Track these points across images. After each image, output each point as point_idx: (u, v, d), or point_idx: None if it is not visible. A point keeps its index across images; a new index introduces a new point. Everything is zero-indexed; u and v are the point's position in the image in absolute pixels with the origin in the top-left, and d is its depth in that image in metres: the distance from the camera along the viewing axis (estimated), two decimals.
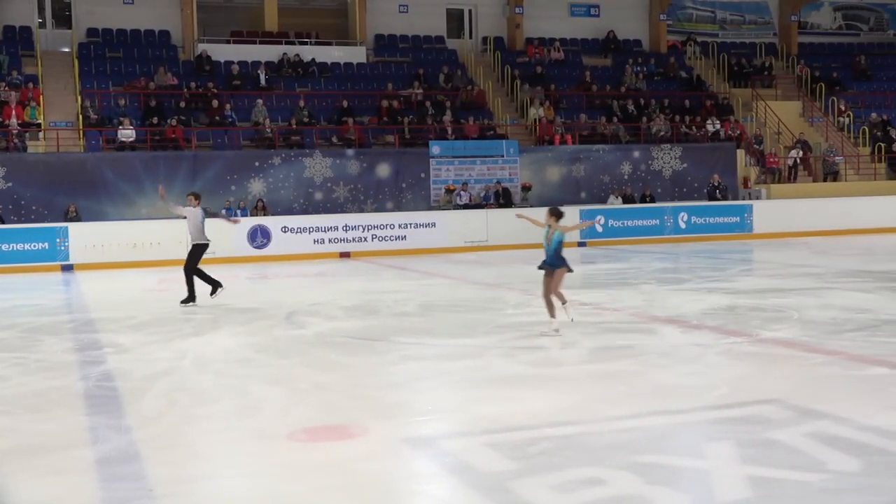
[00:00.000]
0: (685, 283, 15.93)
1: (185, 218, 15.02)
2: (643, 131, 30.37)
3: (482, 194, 27.28)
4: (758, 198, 28.99)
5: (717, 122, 31.29)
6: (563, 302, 11.00)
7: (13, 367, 9.68)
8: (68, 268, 21.94)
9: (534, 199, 27.81)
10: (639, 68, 33.83)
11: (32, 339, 11.59)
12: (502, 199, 26.96)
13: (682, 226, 26.76)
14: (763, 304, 12.88)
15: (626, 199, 27.85)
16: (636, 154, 29.22)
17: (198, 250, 14.74)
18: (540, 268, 11.07)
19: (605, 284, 16.40)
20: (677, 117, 31.26)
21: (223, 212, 24.77)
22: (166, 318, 13.18)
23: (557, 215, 11.06)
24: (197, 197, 14.94)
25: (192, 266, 14.67)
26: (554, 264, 10.87)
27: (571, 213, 26.09)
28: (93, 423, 7.24)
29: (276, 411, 7.52)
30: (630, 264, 20.02)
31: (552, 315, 10.84)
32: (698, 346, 9.83)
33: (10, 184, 23.98)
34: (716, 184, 28.23)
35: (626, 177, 28.93)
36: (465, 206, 26.49)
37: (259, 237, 23.55)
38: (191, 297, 14.47)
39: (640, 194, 28.30)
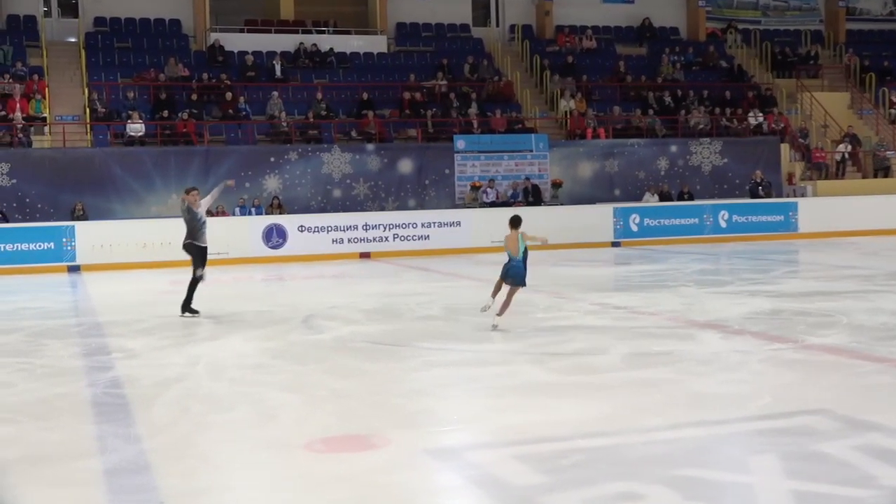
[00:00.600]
0: (726, 286, 15.86)
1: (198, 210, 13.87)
2: (681, 124, 30.26)
3: (510, 191, 27.26)
4: (803, 195, 28.82)
5: (760, 114, 31.12)
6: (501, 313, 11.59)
7: (18, 373, 9.76)
8: (75, 269, 22.09)
9: (564, 197, 27.76)
10: (676, 58, 33.71)
11: (38, 343, 11.68)
12: (531, 196, 26.93)
13: (723, 225, 26.64)
14: (809, 308, 12.79)
15: (663, 197, 27.75)
16: (673, 149, 29.12)
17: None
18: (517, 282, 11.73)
19: (640, 287, 16.34)
20: (717, 109, 31.11)
21: (237, 210, 24.89)
22: (178, 322, 13.24)
23: (517, 223, 12.04)
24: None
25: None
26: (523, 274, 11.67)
27: (605, 211, 26.08)
28: (101, 432, 7.28)
29: (292, 420, 7.54)
30: (667, 265, 19.95)
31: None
32: (740, 352, 9.78)
33: (14, 180, 24.18)
34: (758, 180, 28.08)
35: (662, 173, 28.84)
36: (492, 204, 26.48)
37: (275, 237, 23.64)
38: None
39: (677, 191, 28.20)
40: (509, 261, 11.83)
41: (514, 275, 11.70)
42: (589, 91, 31.35)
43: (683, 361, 9.32)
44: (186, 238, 13.92)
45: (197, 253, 13.87)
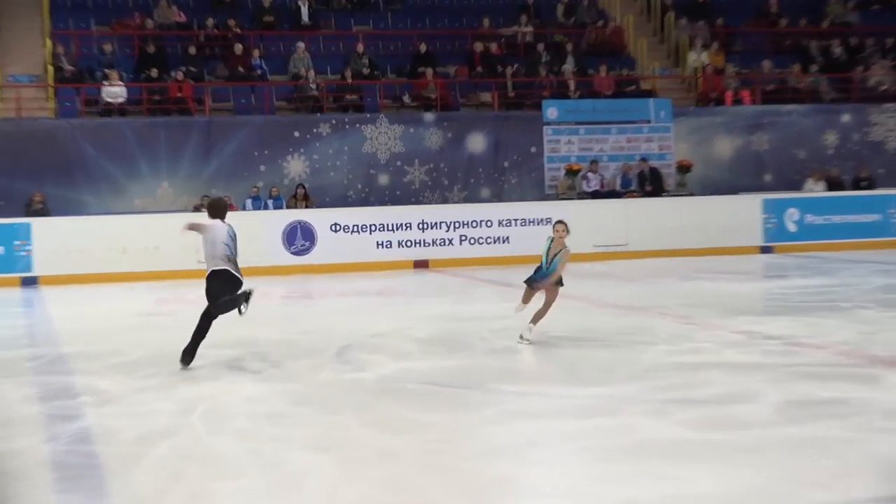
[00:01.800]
0: None
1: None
2: (856, 85, 29.94)
3: (619, 177, 27.13)
4: None
5: None
6: (537, 321, 13.59)
7: None
8: (31, 281, 22.35)
9: (695, 185, 27.56)
10: None
11: None
12: (649, 184, 26.78)
13: None
14: None
15: (832, 185, 27.45)
16: (846, 118, 28.84)
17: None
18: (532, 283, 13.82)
19: (800, 309, 16.16)
20: None
21: (248, 202, 25.02)
22: (168, 355, 13.27)
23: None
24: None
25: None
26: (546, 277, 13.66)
27: (751, 205, 25.81)
28: None
29: (322, 490, 7.52)
30: (838, 279, 19.75)
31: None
32: None
33: None
34: None
35: (830, 151, 28.54)
36: (595, 195, 26.37)
37: (299, 239, 23.73)
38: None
39: (851, 177, 27.90)
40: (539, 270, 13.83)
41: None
42: (729, 40, 31.10)
43: (862, 413, 9.17)
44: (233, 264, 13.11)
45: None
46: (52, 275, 22.41)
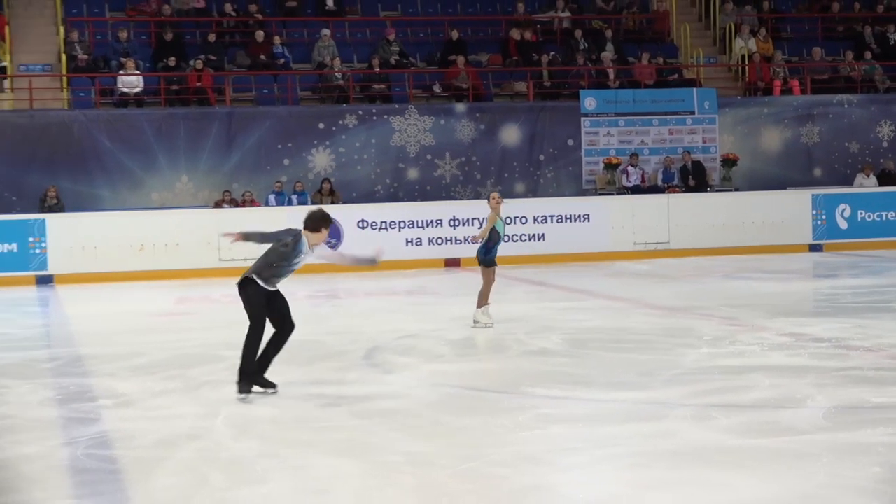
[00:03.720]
0: None
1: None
2: None
3: (661, 171, 27.10)
4: None
5: None
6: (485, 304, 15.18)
7: None
8: (46, 280, 22.43)
9: (740, 179, 27.49)
10: None
11: None
12: (692, 178, 26.74)
13: None
14: None
15: (886, 179, 27.35)
16: None
17: None
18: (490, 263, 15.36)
19: (851, 310, 16.17)
20: None
21: (272, 197, 25.03)
22: (189, 357, 13.38)
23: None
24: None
25: None
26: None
27: (800, 200, 25.70)
28: None
29: (350, 497, 7.61)
30: (892, 279, 19.72)
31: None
32: None
33: None
34: None
35: (885, 144, 28.40)
36: (636, 190, 26.35)
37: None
38: None
39: None
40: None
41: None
42: (778, 26, 30.98)
43: None
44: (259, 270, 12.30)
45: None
46: (67, 273, 22.49)
